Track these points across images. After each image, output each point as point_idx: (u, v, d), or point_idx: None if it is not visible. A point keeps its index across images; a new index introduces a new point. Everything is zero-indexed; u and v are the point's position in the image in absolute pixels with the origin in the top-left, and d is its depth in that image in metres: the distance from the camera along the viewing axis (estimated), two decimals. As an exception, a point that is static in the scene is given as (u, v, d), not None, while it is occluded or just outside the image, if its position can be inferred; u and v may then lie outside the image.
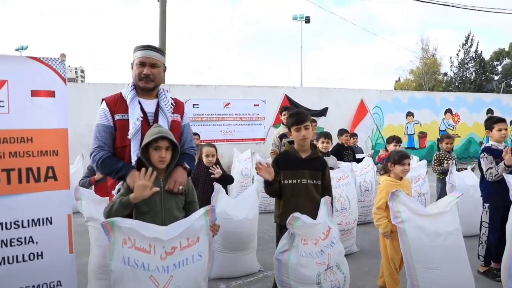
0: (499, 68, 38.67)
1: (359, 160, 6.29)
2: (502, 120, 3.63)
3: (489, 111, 14.19)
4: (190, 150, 2.43)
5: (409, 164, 3.25)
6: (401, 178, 3.27)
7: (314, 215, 2.54)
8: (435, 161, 5.34)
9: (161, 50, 2.33)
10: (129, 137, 2.15)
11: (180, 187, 2.10)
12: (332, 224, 2.58)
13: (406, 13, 60.06)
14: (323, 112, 11.23)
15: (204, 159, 3.79)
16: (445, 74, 39.63)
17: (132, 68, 2.28)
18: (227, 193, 3.87)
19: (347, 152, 6.46)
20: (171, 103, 2.37)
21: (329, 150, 4.87)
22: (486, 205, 3.71)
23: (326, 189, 2.76)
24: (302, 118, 2.68)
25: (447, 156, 5.32)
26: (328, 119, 11.06)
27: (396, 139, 4.99)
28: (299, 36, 31.21)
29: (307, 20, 32.81)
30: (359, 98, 11.84)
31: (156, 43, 10.84)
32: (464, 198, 4.95)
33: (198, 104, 10.06)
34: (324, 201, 2.60)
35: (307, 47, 62.44)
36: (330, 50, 63.22)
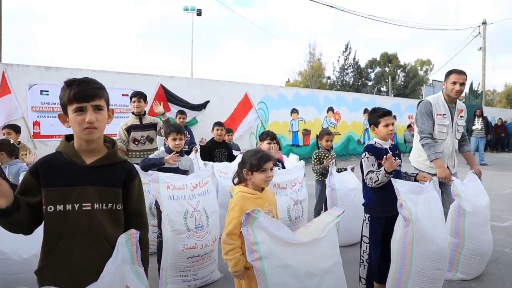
0: (372, 75, 43.37)
1: (234, 158, 5.38)
2: (389, 113, 2.96)
3: (366, 110, 14.87)
4: None
5: (272, 169, 2.32)
6: (262, 189, 2.34)
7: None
8: (315, 160, 4.66)
9: None
10: None
11: None
12: (134, 277, 1.46)
13: (298, 20, 62.88)
14: (204, 106, 10.21)
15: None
16: (329, 77, 42.60)
17: None
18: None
19: (219, 151, 5.52)
20: None
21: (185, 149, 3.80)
22: (367, 216, 3.01)
23: (133, 217, 1.63)
24: (90, 92, 1.50)
25: (326, 154, 4.69)
26: (209, 114, 10.06)
27: (270, 136, 4.13)
28: (197, 30, 29.82)
29: (199, 13, 31.84)
30: (244, 92, 11.13)
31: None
32: (344, 203, 4.33)
33: (47, 91, 8.10)
34: (126, 239, 1.46)
35: (203, 43, 60.98)
36: (227, 49, 62.87)
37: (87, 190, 1.50)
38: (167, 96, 9.50)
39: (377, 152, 2.89)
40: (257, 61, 63.13)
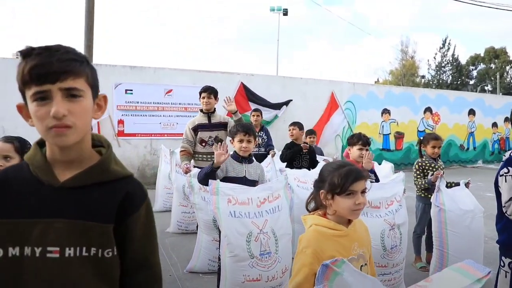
0: (474, 73, 39.09)
1: (316, 165, 4.65)
2: None
3: (471, 111, 12.93)
4: None
5: (364, 192, 1.57)
6: (349, 221, 1.60)
7: None
8: (418, 171, 3.72)
9: None
10: None
11: None
12: None
13: (390, 16, 59.09)
14: (285, 104, 9.59)
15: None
16: (423, 76, 39.41)
17: None
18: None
19: (299, 155, 4.81)
20: None
21: (254, 152, 3.18)
22: (506, 261, 2.07)
23: (136, 270, 1.01)
24: (56, 66, 0.89)
25: (432, 164, 3.72)
26: (291, 114, 9.40)
27: (362, 140, 3.33)
28: (283, 30, 29.80)
29: (285, 13, 31.78)
30: (329, 91, 10.26)
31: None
32: (456, 229, 3.33)
33: (132, 90, 8.21)
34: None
35: (289, 44, 60.86)
36: (313, 48, 61.82)
37: (54, 226, 0.92)
38: (247, 94, 9.10)
39: (526, 169, 1.96)
40: (344, 61, 60.91)
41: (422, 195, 3.73)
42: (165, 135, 8.48)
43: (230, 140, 3.02)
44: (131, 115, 8.23)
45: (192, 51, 58.73)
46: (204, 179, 2.71)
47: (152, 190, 7.00)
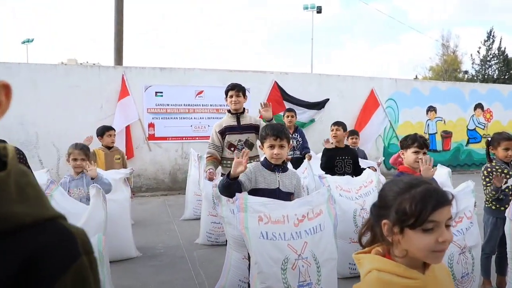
0: (524, 66, 36.46)
1: (360, 170, 4.11)
2: None
3: (528, 107, 11.77)
4: None
5: (449, 223, 1.06)
6: (425, 266, 1.09)
7: None
8: (487, 179, 3.10)
9: None
10: None
11: None
12: None
13: (429, 10, 56.58)
14: (322, 104, 9.02)
15: None
16: (466, 72, 37.19)
17: None
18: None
19: (341, 159, 4.28)
20: None
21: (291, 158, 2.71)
22: None
23: None
24: None
25: (505, 170, 3.09)
26: (329, 113, 8.83)
27: (418, 142, 2.78)
28: (317, 28, 29.16)
29: (319, 10, 31.13)
30: (369, 88, 9.59)
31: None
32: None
33: (162, 92, 7.97)
34: None
35: (323, 42, 59.71)
36: (348, 46, 60.34)
37: None
38: (282, 94, 8.63)
39: None
40: (381, 59, 59.00)
41: (493, 207, 3.11)
42: (197, 138, 8.17)
43: (259, 146, 2.57)
44: (162, 118, 7.99)
45: (223, 52, 59.15)
46: (224, 192, 2.27)
47: (183, 195, 6.71)
